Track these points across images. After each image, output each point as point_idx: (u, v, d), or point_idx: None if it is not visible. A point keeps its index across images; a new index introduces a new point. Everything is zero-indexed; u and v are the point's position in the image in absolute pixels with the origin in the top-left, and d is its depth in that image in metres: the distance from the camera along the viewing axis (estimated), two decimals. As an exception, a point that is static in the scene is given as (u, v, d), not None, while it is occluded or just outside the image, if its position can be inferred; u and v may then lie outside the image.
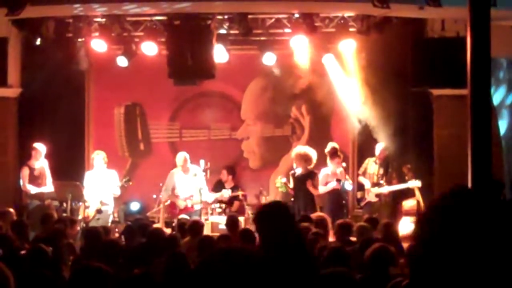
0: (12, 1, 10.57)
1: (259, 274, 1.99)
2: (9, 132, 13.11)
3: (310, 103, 13.70)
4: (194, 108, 14.01)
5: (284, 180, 11.72)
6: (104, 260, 5.13)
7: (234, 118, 13.98)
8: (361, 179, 12.06)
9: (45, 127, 12.74)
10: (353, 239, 8.09)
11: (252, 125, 13.96)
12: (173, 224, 10.82)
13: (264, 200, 12.20)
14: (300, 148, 11.87)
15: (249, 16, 11.94)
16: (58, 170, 12.32)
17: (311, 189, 11.44)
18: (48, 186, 11.98)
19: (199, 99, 14.00)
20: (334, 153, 11.76)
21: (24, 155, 12.49)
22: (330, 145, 12.03)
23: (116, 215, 12.50)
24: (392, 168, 11.82)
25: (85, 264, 4.80)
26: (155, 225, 10.34)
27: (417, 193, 11.34)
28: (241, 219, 10.71)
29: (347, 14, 12.06)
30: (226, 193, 12.24)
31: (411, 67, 12.04)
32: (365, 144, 12.80)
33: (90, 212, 11.49)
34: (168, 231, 10.05)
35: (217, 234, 9.24)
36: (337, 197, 11.49)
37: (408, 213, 11.09)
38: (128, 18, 12.23)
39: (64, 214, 10.88)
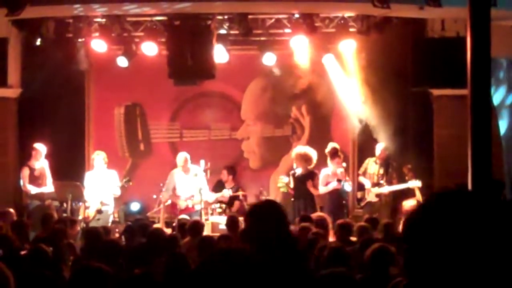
0: (12, 1, 10.57)
1: (259, 275, 1.99)
2: (9, 132, 13.11)
3: (310, 103, 13.71)
4: (194, 108, 14.01)
5: (286, 180, 11.71)
6: (104, 260, 5.13)
7: (234, 118, 13.98)
8: (361, 179, 12.06)
9: (45, 127, 12.74)
10: (353, 239, 8.10)
11: (252, 125, 13.96)
12: (173, 224, 10.82)
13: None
14: (300, 148, 11.87)
15: (249, 16, 11.94)
16: (59, 170, 12.32)
17: (311, 189, 11.44)
18: (49, 186, 11.98)
19: (199, 99, 14.00)
20: (334, 153, 11.76)
21: (24, 156, 12.49)
22: (331, 145, 12.03)
23: (116, 215, 12.50)
24: (392, 168, 11.82)
25: (85, 264, 4.80)
26: (155, 225, 10.33)
27: (418, 193, 11.34)
28: (242, 219, 10.70)
29: (347, 14, 12.06)
30: (226, 193, 12.25)
31: (411, 67, 12.05)
32: (365, 144, 12.80)
33: (91, 212, 11.50)
34: (168, 231, 10.05)
35: (218, 234, 9.23)
36: (337, 197, 11.49)
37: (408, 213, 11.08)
38: (128, 18, 12.24)
39: (65, 214, 10.88)
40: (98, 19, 12.15)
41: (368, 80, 12.47)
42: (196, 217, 10.85)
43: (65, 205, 11.34)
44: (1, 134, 12.97)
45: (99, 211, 11.52)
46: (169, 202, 11.93)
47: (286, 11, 12.05)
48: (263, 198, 12.27)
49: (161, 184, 11.96)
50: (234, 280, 1.96)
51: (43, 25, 12.09)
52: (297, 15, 11.93)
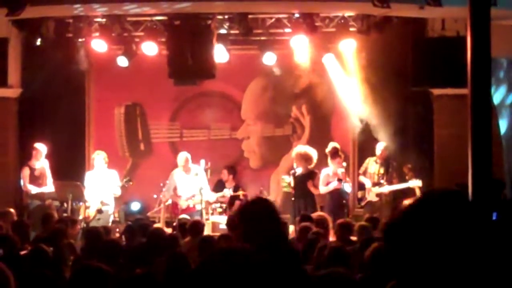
0: (12, 1, 10.57)
1: (259, 274, 1.99)
2: (10, 132, 13.11)
3: (311, 103, 13.71)
4: (194, 108, 14.01)
5: (289, 180, 11.68)
6: (105, 260, 5.13)
7: (234, 118, 13.98)
8: (362, 178, 12.06)
9: (45, 127, 12.74)
10: (354, 238, 8.09)
11: (252, 125, 13.96)
12: (174, 224, 10.82)
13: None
14: (301, 148, 11.87)
15: (249, 16, 11.94)
16: (59, 170, 12.32)
17: (311, 189, 11.43)
18: (49, 186, 11.98)
19: (199, 99, 14.00)
20: (335, 153, 11.76)
21: (25, 155, 12.50)
22: (331, 145, 12.02)
23: (116, 215, 12.49)
24: (392, 168, 11.82)
25: (86, 264, 4.80)
26: (155, 225, 10.33)
27: (418, 192, 11.34)
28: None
29: (347, 13, 12.06)
30: (227, 193, 12.25)
31: (411, 67, 12.04)
32: (365, 143, 12.80)
33: (91, 212, 11.50)
34: (168, 231, 10.05)
35: (218, 234, 9.23)
36: (337, 196, 11.48)
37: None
38: (129, 18, 12.24)
39: (65, 214, 10.88)
40: (98, 19, 12.15)
41: (368, 79, 12.47)
42: (197, 217, 10.86)
43: (65, 205, 11.34)
44: (1, 134, 12.98)
45: (100, 211, 11.52)
46: (170, 202, 11.94)
47: (286, 11, 12.05)
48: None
49: (161, 184, 11.97)
50: (234, 279, 1.96)
51: (43, 25, 12.09)
52: (297, 15, 11.93)
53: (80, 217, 11.09)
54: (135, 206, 13.31)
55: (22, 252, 6.84)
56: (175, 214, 11.61)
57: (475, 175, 5.16)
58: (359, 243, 7.13)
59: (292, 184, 11.59)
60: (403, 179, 11.65)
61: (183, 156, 11.91)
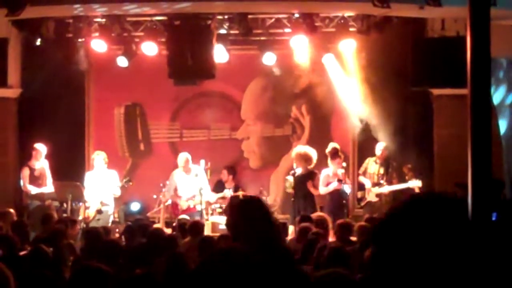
0: (12, 1, 10.57)
1: (258, 274, 1.99)
2: (9, 132, 13.11)
3: (310, 103, 13.71)
4: (194, 108, 14.01)
5: (293, 180, 11.61)
6: (104, 261, 5.13)
7: (234, 118, 13.98)
8: (362, 179, 12.06)
9: (45, 127, 12.73)
10: (353, 239, 8.09)
11: (252, 125, 13.96)
12: (174, 224, 10.82)
13: (264, 200, 12.19)
14: (300, 148, 11.86)
15: (249, 16, 11.94)
16: (59, 170, 12.32)
17: (311, 189, 11.42)
18: (49, 187, 11.98)
19: (199, 99, 14.00)
20: (335, 153, 11.75)
21: (24, 156, 12.50)
22: (331, 145, 12.01)
23: (116, 215, 12.50)
24: (392, 168, 11.82)
25: (86, 264, 4.80)
26: (155, 225, 10.34)
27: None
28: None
29: (347, 14, 12.06)
30: (228, 193, 12.24)
31: (411, 67, 12.04)
32: (365, 143, 12.80)
33: (91, 213, 11.50)
34: (168, 231, 10.05)
35: (218, 234, 9.24)
36: (337, 197, 11.47)
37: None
38: (128, 18, 12.24)
39: (65, 215, 10.88)
40: (98, 19, 12.15)
41: (368, 79, 12.47)
42: (197, 218, 10.85)
43: (65, 205, 11.34)
44: (1, 134, 12.98)
45: (99, 211, 11.52)
46: (169, 202, 11.93)
47: (286, 11, 12.05)
48: (263, 198, 12.27)
49: (161, 184, 11.96)
50: (234, 280, 1.96)
51: (43, 25, 12.09)
52: (297, 15, 11.93)
53: (80, 218, 11.09)
54: (135, 206, 13.31)
55: (22, 253, 6.84)
56: (175, 215, 11.61)
57: (474, 175, 5.15)
58: (359, 244, 7.13)
59: (292, 185, 11.58)
60: (403, 179, 11.64)
61: (183, 156, 11.91)
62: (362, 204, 12.02)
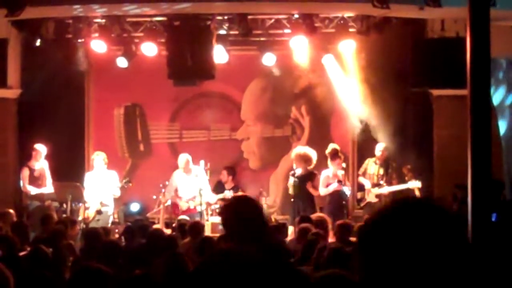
0: (12, 2, 10.57)
1: (258, 275, 1.99)
2: (9, 133, 13.11)
3: (310, 104, 13.71)
4: (194, 109, 14.01)
5: (297, 181, 11.58)
6: (104, 261, 5.14)
7: (234, 119, 13.98)
8: (361, 179, 12.06)
9: (45, 128, 12.73)
10: (353, 239, 8.08)
11: (252, 126, 13.96)
12: (173, 225, 10.82)
13: (264, 200, 12.20)
14: (300, 149, 11.85)
15: (249, 17, 11.95)
16: (58, 171, 12.32)
17: (311, 190, 11.41)
18: (48, 187, 11.98)
19: (199, 100, 14.00)
20: (335, 154, 11.73)
21: (24, 156, 12.50)
22: (331, 146, 11.99)
23: (116, 216, 12.49)
24: (392, 169, 11.82)
25: (85, 265, 4.80)
26: (155, 226, 10.33)
27: (417, 193, 11.33)
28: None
29: (347, 14, 12.07)
30: (228, 194, 12.22)
31: (411, 68, 12.05)
32: (365, 144, 12.80)
33: (90, 213, 11.49)
34: (168, 232, 10.04)
35: (218, 235, 9.23)
36: (337, 197, 11.46)
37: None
38: (128, 19, 12.24)
39: (64, 215, 10.88)
40: (98, 20, 12.15)
41: (368, 80, 12.46)
42: (197, 218, 10.85)
43: (65, 205, 11.34)
44: (1, 134, 12.97)
45: (99, 212, 11.51)
46: (169, 202, 11.93)
47: (286, 12, 12.05)
48: (263, 199, 12.27)
49: (161, 185, 11.96)
50: (233, 280, 1.96)
51: (42, 25, 12.10)
52: (296, 16, 11.93)
53: (80, 218, 11.09)
54: (135, 207, 13.30)
55: (22, 253, 6.83)
56: (175, 215, 11.60)
57: (474, 175, 5.15)
58: (358, 244, 7.10)
59: (297, 185, 11.53)
60: (402, 180, 11.64)
61: (184, 157, 11.91)
62: (362, 204, 12.02)
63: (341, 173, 11.52)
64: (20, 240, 7.48)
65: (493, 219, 5.67)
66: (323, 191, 11.46)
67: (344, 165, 11.66)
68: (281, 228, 10.19)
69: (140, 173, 13.76)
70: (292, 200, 11.49)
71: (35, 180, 12.02)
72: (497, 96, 12.47)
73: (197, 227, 8.72)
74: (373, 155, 12.00)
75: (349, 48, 12.46)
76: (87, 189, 11.54)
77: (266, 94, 13.90)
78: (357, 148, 13.42)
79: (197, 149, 13.15)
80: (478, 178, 5.14)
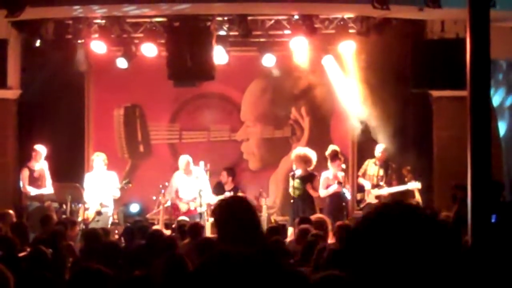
0: (12, 2, 10.57)
1: (257, 276, 1.99)
2: (9, 133, 13.10)
3: (310, 105, 13.70)
4: (193, 110, 14.00)
5: (298, 182, 11.55)
6: (104, 262, 5.13)
7: (233, 120, 13.97)
8: (361, 180, 12.05)
9: (44, 128, 12.74)
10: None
11: (251, 127, 13.95)
12: (173, 226, 10.82)
13: (264, 201, 12.20)
14: (300, 150, 11.85)
15: (249, 18, 11.95)
16: (58, 171, 12.32)
17: (311, 191, 11.40)
18: (48, 188, 11.98)
19: (198, 101, 14.00)
20: (335, 155, 11.73)
21: (24, 157, 12.50)
22: (331, 147, 11.98)
23: (115, 217, 12.49)
24: (391, 170, 11.82)
25: (85, 265, 4.80)
26: (154, 227, 10.33)
27: (417, 194, 11.34)
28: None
29: (347, 15, 12.07)
30: (228, 195, 12.22)
31: (410, 69, 12.04)
32: (365, 145, 12.80)
33: (90, 214, 11.49)
34: (168, 233, 10.04)
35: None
36: (337, 199, 11.45)
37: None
38: (128, 20, 12.24)
39: (64, 216, 10.89)
40: (98, 21, 12.15)
41: (367, 81, 12.47)
42: (197, 219, 10.84)
43: (64, 206, 11.34)
44: (0, 135, 12.97)
45: (99, 213, 11.51)
46: (169, 203, 11.92)
47: (286, 13, 12.05)
48: (263, 200, 12.27)
49: (160, 186, 11.95)
50: (233, 281, 1.96)
51: (42, 26, 12.10)
52: (296, 17, 11.93)
53: (79, 219, 11.09)
54: (134, 208, 13.29)
55: (21, 254, 6.83)
56: (175, 216, 11.59)
57: (474, 177, 5.16)
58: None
59: (299, 186, 11.52)
60: (402, 181, 11.64)
61: (184, 159, 11.91)
62: (362, 205, 12.01)
63: (341, 174, 11.52)
64: (19, 241, 7.47)
65: (493, 220, 5.66)
66: (323, 192, 11.45)
67: (344, 166, 11.66)
68: (281, 229, 10.19)
69: (140, 174, 13.75)
70: (291, 201, 11.49)
71: (35, 180, 12.02)
72: (497, 97, 12.48)
73: (196, 228, 8.71)
74: (373, 156, 12.00)
75: (349, 49, 12.46)
76: (87, 190, 11.54)
77: (266, 95, 13.90)
78: (357, 149, 13.42)
79: (197, 150, 13.14)
80: (478, 179, 5.15)
